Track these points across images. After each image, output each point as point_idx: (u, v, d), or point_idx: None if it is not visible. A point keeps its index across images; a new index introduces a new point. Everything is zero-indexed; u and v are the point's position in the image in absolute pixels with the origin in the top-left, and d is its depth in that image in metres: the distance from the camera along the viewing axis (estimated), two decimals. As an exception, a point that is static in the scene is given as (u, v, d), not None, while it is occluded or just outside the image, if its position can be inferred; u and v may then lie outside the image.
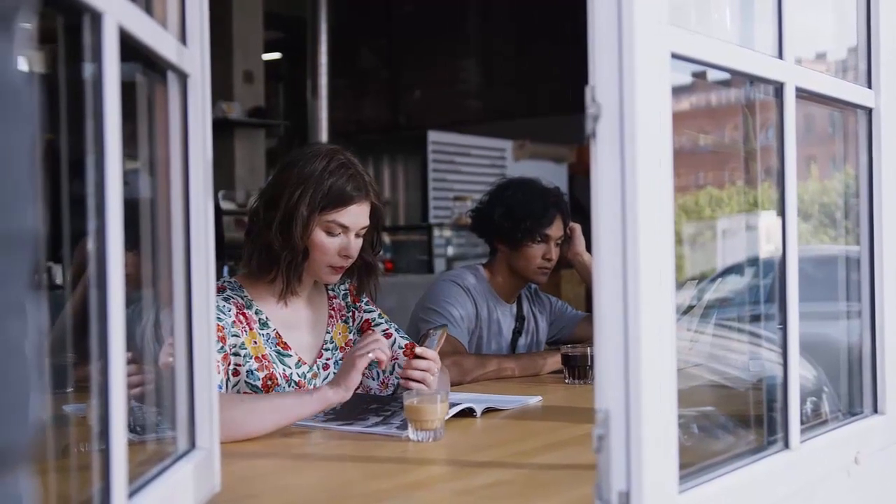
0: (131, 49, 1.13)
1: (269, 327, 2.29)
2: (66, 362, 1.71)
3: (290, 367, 2.29)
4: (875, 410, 1.85)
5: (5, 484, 0.57)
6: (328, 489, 1.65)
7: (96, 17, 1.01)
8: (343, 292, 2.48)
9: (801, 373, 1.60)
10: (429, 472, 1.74)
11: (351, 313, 2.47)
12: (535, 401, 2.41)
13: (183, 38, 1.37)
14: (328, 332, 2.41)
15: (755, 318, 1.98)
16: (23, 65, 0.62)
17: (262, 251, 2.26)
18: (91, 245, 1.02)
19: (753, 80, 1.59)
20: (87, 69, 1.04)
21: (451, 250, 7.89)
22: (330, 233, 2.25)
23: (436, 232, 7.84)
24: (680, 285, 1.31)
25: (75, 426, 1.35)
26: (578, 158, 8.62)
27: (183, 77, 1.37)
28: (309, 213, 2.22)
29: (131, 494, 1.10)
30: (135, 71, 1.29)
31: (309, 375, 2.32)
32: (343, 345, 2.42)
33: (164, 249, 1.39)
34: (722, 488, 1.37)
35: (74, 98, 1.06)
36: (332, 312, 2.44)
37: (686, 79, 1.49)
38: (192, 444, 1.40)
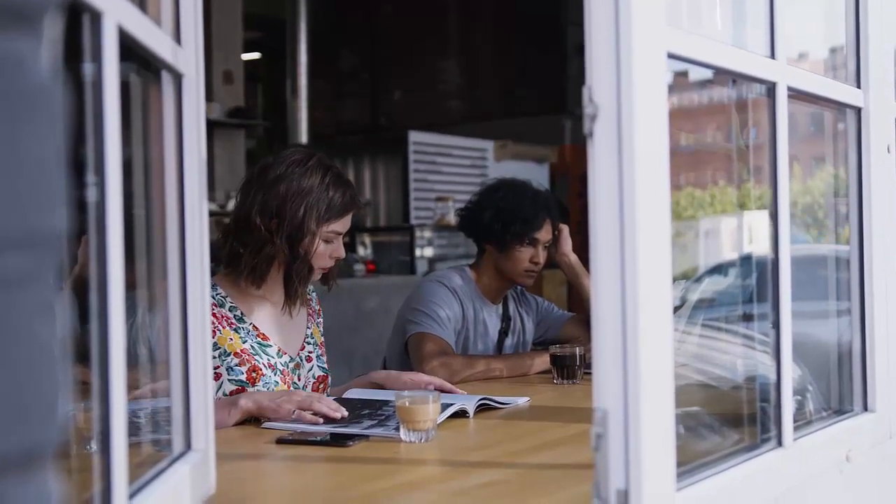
0: (127, 49, 1.13)
1: (245, 322, 2.35)
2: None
3: (272, 357, 2.35)
4: (865, 408, 1.86)
5: (36, 483, 0.57)
6: (323, 490, 1.65)
7: (96, 17, 1.01)
8: (315, 297, 2.59)
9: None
10: (422, 472, 1.74)
11: (321, 319, 2.59)
12: (523, 401, 2.42)
13: (178, 38, 1.37)
14: (308, 328, 2.50)
15: (743, 318, 1.99)
16: (50, 64, 0.61)
17: (264, 262, 2.32)
18: (91, 246, 1.02)
19: (747, 79, 1.60)
20: (86, 68, 1.03)
21: (432, 251, 7.88)
22: (328, 241, 2.36)
23: (417, 233, 7.82)
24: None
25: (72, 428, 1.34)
26: (560, 159, 8.63)
27: (178, 77, 1.36)
28: (317, 227, 2.32)
29: (131, 496, 1.09)
30: (129, 71, 1.28)
31: (291, 366, 2.40)
32: (319, 342, 2.53)
33: (158, 250, 1.39)
34: (718, 486, 1.38)
35: (72, 97, 1.05)
36: (310, 311, 2.54)
37: (668, 77, 1.49)
38: (188, 446, 1.39)
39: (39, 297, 0.57)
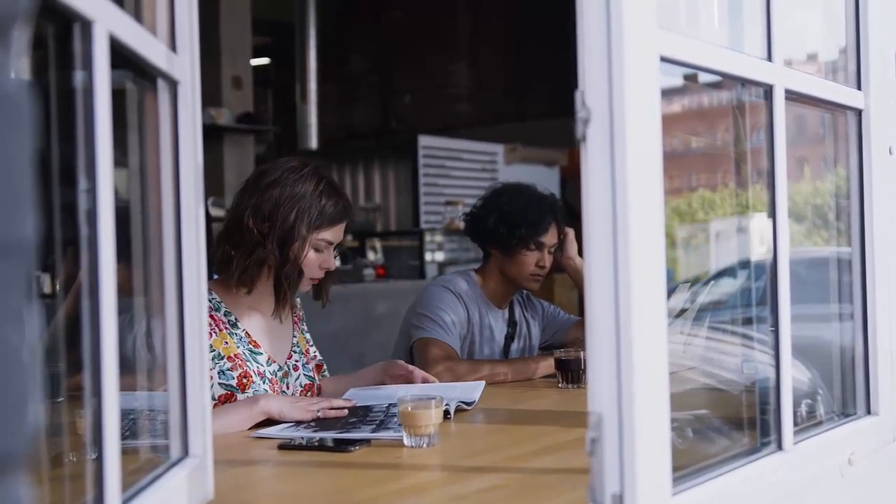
0: (121, 56, 1.13)
1: (239, 328, 2.38)
2: (57, 371, 1.71)
3: (262, 365, 2.38)
4: (868, 411, 1.85)
5: (4, 489, 0.57)
6: (323, 495, 1.64)
7: (86, 25, 1.01)
8: (299, 303, 2.63)
9: (795, 375, 1.60)
10: (424, 477, 1.74)
11: (305, 325, 2.62)
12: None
13: (173, 46, 1.37)
14: (294, 337, 2.53)
15: (748, 321, 1.98)
16: (20, 73, 0.62)
17: (255, 265, 2.34)
18: (83, 254, 1.02)
19: (743, 82, 1.59)
20: (78, 76, 1.04)
21: (442, 255, 7.88)
22: (317, 249, 2.38)
23: (427, 237, 7.83)
24: (673, 288, 1.31)
25: (68, 435, 1.34)
26: (570, 162, 8.63)
27: (173, 84, 1.37)
28: (307, 233, 2.34)
29: (125, 502, 1.10)
30: (124, 78, 1.28)
31: (280, 374, 2.42)
32: (304, 350, 2.55)
33: (155, 257, 1.39)
34: (715, 490, 1.37)
35: (64, 105, 1.05)
36: (296, 319, 2.57)
37: (677, 81, 1.50)
38: (186, 452, 1.40)
39: (9, 304, 0.58)
